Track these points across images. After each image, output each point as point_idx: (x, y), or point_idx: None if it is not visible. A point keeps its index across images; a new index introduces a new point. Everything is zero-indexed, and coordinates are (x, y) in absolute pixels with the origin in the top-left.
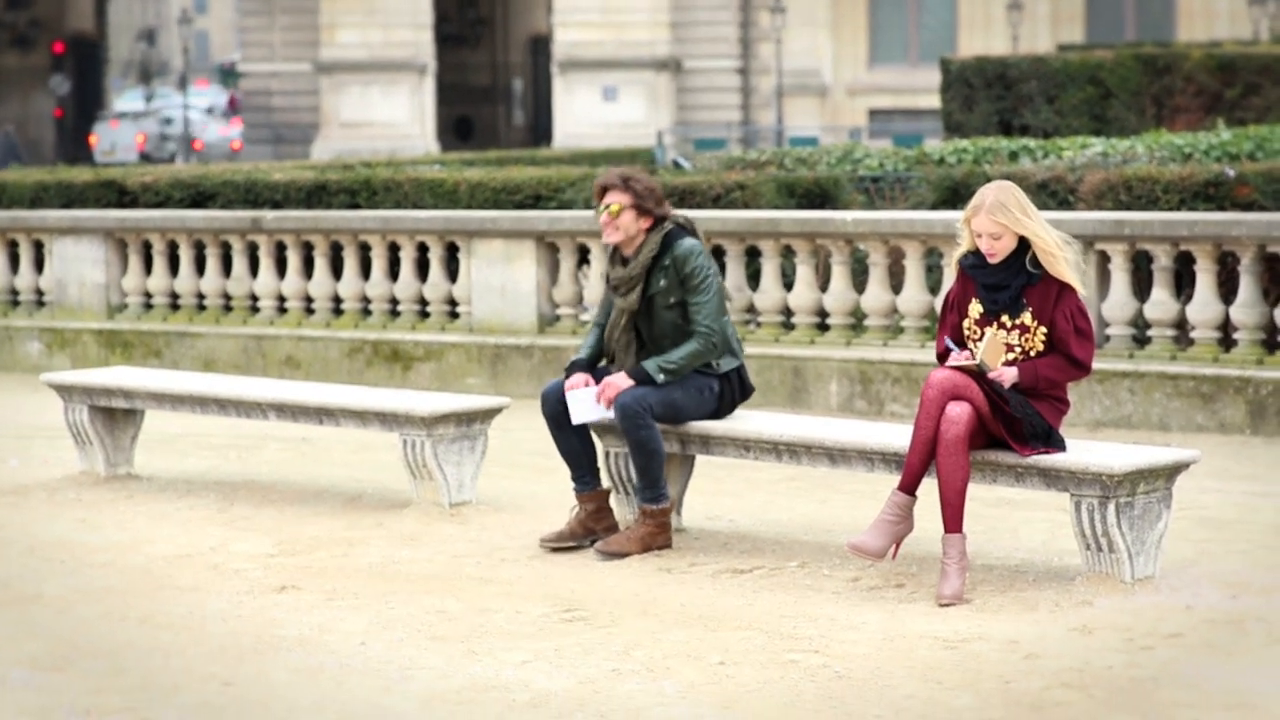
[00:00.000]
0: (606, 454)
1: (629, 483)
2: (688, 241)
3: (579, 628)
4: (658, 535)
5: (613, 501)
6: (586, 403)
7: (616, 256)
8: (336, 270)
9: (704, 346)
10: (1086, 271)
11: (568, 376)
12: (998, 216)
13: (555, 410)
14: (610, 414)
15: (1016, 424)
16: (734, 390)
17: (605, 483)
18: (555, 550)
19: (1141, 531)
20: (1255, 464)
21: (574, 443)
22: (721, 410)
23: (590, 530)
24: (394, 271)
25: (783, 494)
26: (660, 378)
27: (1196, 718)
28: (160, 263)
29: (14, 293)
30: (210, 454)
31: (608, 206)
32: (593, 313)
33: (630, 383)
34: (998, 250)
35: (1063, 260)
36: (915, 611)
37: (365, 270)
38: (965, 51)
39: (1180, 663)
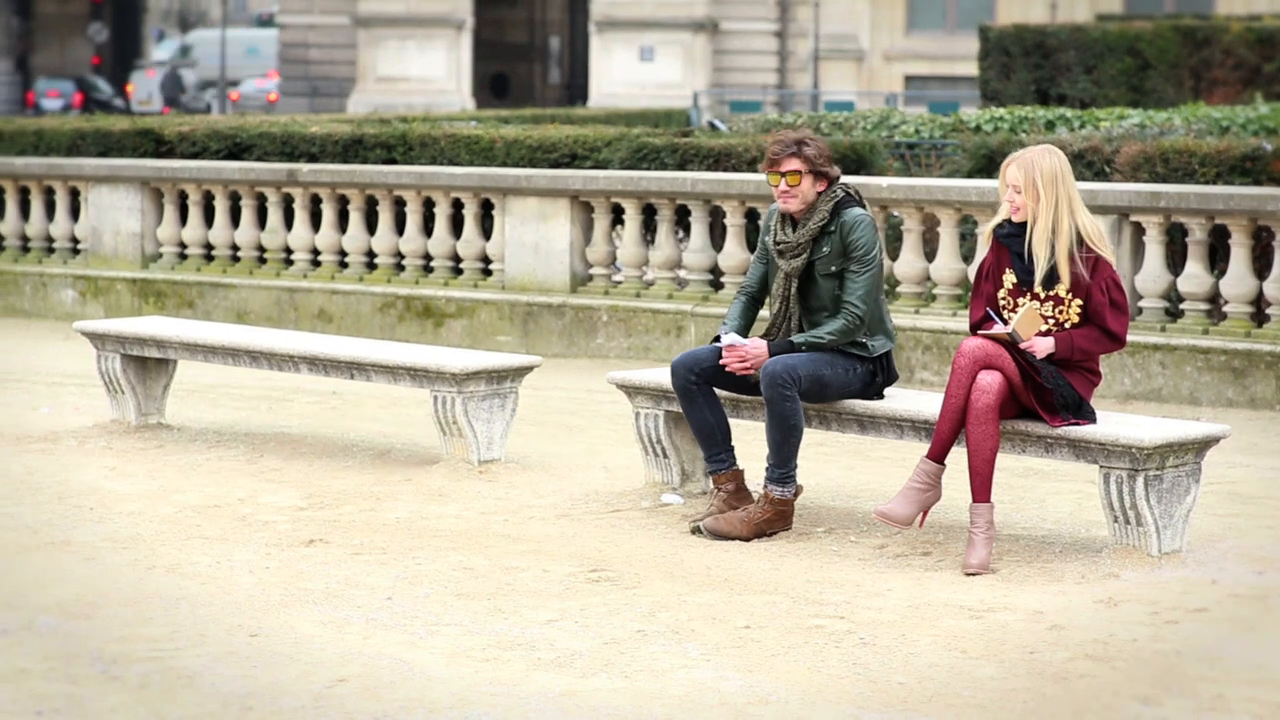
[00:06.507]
0: (637, 414)
1: (657, 445)
2: (857, 211)
3: (605, 588)
4: (774, 521)
5: (644, 464)
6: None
7: (786, 220)
8: (371, 225)
9: (850, 323)
10: (1118, 245)
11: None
12: (1029, 171)
13: (686, 384)
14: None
15: (1047, 394)
16: (882, 374)
17: (739, 462)
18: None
19: (1169, 505)
20: None
21: (707, 417)
22: (868, 392)
23: (734, 510)
24: (428, 227)
25: (811, 459)
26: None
27: (1220, 692)
28: (195, 213)
29: (49, 240)
30: (241, 405)
31: (785, 175)
32: (625, 273)
33: (765, 353)
34: (1018, 204)
35: (1064, 248)
36: (941, 580)
37: (400, 225)
38: (1004, 19)
39: (1205, 637)
